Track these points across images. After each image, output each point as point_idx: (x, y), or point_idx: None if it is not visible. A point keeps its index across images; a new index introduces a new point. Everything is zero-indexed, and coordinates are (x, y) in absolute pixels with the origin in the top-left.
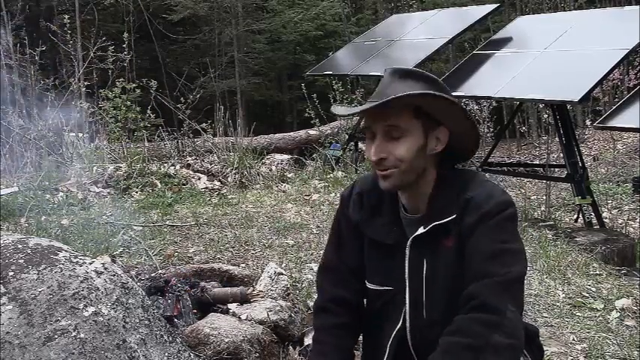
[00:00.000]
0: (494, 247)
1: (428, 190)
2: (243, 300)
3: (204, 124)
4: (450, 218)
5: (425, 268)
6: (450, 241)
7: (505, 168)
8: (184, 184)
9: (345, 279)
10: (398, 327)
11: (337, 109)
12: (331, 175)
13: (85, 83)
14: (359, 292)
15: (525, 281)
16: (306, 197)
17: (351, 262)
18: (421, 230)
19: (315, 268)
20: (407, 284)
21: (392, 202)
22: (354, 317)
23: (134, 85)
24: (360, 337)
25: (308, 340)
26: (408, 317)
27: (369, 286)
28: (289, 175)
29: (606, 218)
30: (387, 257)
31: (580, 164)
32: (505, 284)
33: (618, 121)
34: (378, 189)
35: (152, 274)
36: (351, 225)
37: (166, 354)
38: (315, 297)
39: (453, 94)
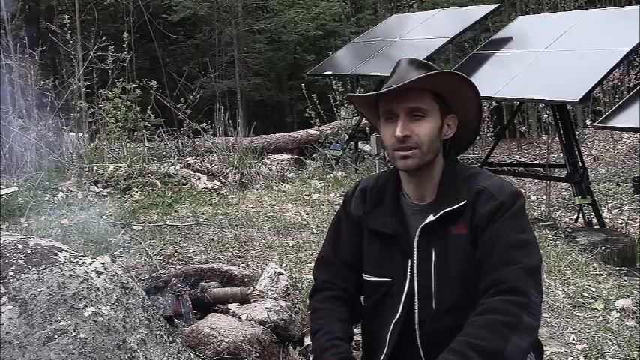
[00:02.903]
0: (515, 237)
1: (436, 177)
2: (243, 300)
3: (204, 124)
4: (460, 204)
5: (434, 257)
6: (462, 229)
7: (505, 168)
8: (184, 184)
9: (340, 271)
10: (396, 318)
11: (357, 95)
12: (331, 175)
13: (85, 83)
14: (354, 284)
15: None
16: (306, 197)
17: (346, 258)
18: (431, 218)
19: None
20: (415, 274)
21: (393, 193)
22: (350, 301)
23: (134, 85)
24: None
25: (308, 340)
26: (416, 308)
27: (367, 277)
28: (289, 175)
29: (606, 218)
30: (386, 247)
31: (580, 164)
32: (529, 271)
33: (618, 121)
34: (382, 184)
35: (152, 274)
36: (351, 221)
37: (166, 354)
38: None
39: None
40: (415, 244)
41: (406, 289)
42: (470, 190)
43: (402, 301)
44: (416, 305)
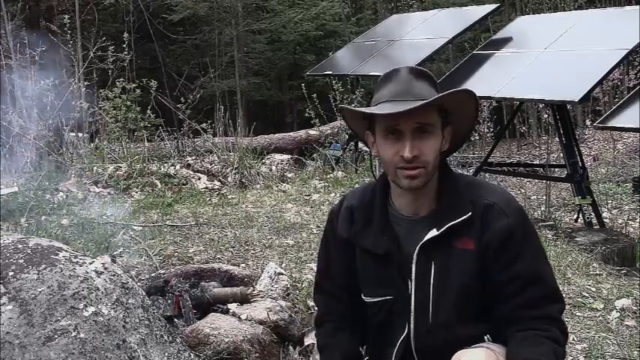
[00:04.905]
0: (533, 251)
1: (432, 189)
2: (243, 300)
3: (204, 124)
4: (465, 217)
5: (433, 271)
6: (469, 244)
7: (505, 168)
8: (184, 184)
9: (336, 296)
10: (404, 335)
11: (352, 109)
12: (331, 175)
13: (85, 83)
14: (354, 305)
15: None
16: (306, 197)
17: (340, 280)
18: (434, 232)
19: (316, 268)
20: (413, 289)
21: (382, 210)
22: (354, 325)
23: (134, 85)
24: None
25: (308, 340)
26: (412, 321)
27: (367, 300)
28: (289, 175)
29: (606, 218)
30: (381, 267)
31: (580, 164)
32: (554, 280)
33: (618, 121)
34: (368, 200)
35: (152, 274)
36: (339, 241)
37: (166, 354)
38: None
39: None
40: (414, 258)
41: (408, 305)
42: (475, 202)
43: (408, 319)
44: (412, 317)
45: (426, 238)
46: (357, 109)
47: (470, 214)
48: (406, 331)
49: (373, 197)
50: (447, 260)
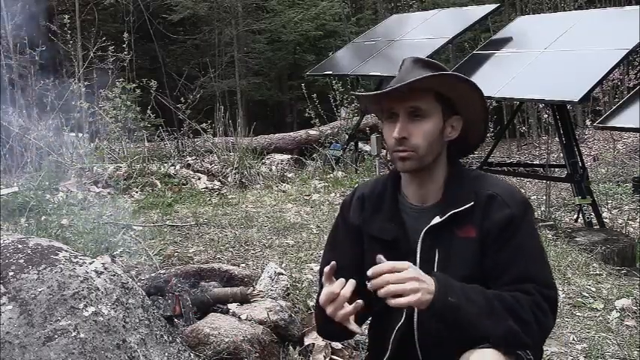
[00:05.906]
0: (532, 245)
1: (440, 179)
2: (243, 300)
3: (204, 124)
4: (467, 206)
5: (437, 258)
6: (471, 232)
7: (505, 168)
8: (184, 184)
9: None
10: (400, 322)
11: (362, 93)
12: (331, 175)
13: (85, 83)
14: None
15: None
16: (306, 197)
17: (347, 269)
18: (437, 220)
19: (315, 268)
20: None
21: (392, 198)
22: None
23: (134, 85)
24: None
25: (308, 340)
26: (416, 311)
27: (370, 287)
28: (289, 175)
29: (606, 218)
30: (387, 254)
31: (580, 164)
32: (538, 268)
33: (618, 121)
34: (379, 189)
35: (152, 274)
36: (350, 230)
37: (166, 354)
38: (315, 296)
39: None
40: (419, 246)
41: None
42: (478, 193)
43: (406, 307)
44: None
45: (429, 225)
46: (361, 93)
47: (472, 203)
48: (402, 319)
49: (384, 188)
50: (449, 249)
